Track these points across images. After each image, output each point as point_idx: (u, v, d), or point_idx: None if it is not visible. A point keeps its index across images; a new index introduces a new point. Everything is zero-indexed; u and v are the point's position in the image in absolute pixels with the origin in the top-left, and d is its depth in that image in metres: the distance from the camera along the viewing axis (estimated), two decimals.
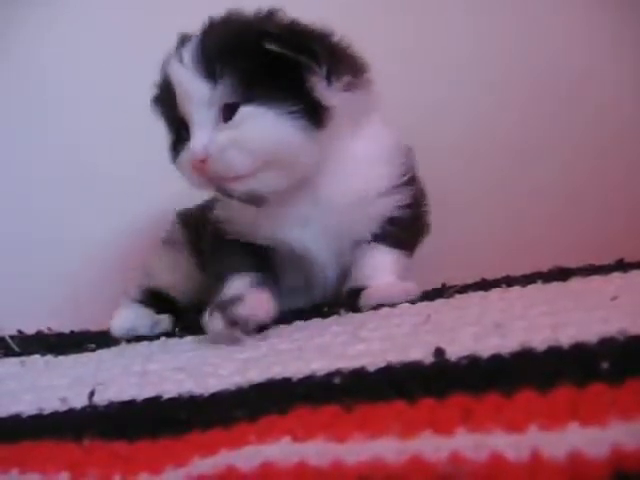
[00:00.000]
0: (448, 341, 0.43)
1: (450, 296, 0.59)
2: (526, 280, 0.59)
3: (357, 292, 0.65)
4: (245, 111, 0.58)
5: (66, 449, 0.40)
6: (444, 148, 0.91)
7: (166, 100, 0.63)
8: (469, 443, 0.29)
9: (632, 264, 0.61)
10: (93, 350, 0.68)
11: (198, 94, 0.59)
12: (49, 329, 0.91)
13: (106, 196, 0.99)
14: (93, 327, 0.86)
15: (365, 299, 0.63)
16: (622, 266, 0.60)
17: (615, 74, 0.89)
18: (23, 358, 0.70)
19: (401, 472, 0.29)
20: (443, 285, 0.69)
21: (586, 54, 0.91)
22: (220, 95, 0.59)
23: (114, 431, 0.41)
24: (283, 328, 0.61)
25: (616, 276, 0.55)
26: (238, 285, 0.61)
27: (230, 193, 0.61)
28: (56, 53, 1.00)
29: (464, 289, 0.60)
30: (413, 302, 0.60)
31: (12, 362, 0.69)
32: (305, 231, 0.64)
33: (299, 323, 0.62)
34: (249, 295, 0.59)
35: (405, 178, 0.66)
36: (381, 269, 0.66)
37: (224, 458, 0.33)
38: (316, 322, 0.60)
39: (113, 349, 0.66)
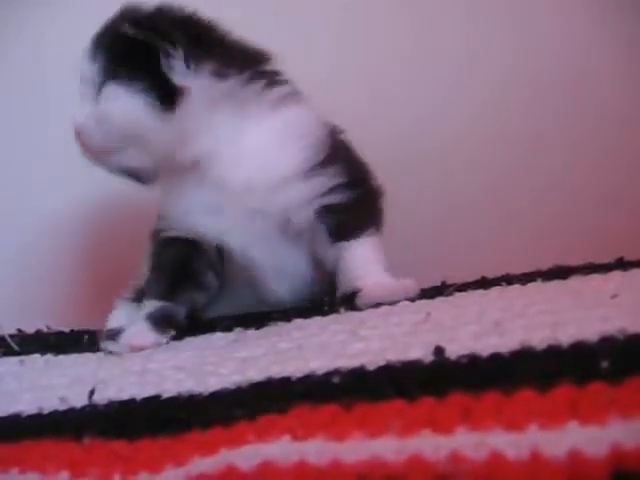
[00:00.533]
0: (448, 340, 0.43)
1: (450, 294, 0.59)
2: (526, 278, 0.59)
3: (351, 295, 0.64)
4: (108, 89, 0.64)
5: (66, 448, 0.40)
6: (444, 147, 0.92)
7: None
8: (469, 442, 0.29)
9: (632, 262, 0.61)
10: (92, 349, 0.68)
11: (83, 73, 0.65)
12: (48, 327, 0.91)
13: (105, 194, 0.99)
14: (94, 326, 0.86)
15: (362, 300, 0.63)
16: (622, 264, 0.60)
17: (612, 73, 0.89)
18: (22, 357, 0.70)
19: (401, 471, 0.29)
20: (443, 283, 0.69)
21: (584, 53, 0.91)
22: (95, 74, 0.64)
23: (114, 430, 0.41)
24: (282, 326, 0.61)
25: (616, 274, 0.55)
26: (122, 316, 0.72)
27: (108, 168, 0.66)
28: (56, 53, 1.00)
29: (464, 287, 0.60)
30: (413, 300, 0.59)
31: (11, 361, 0.69)
32: (219, 220, 0.65)
33: (298, 321, 0.61)
34: (130, 328, 0.65)
35: (323, 157, 0.66)
36: (367, 266, 0.66)
37: (224, 457, 0.33)
38: (316, 320, 0.60)
39: None
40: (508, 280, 0.60)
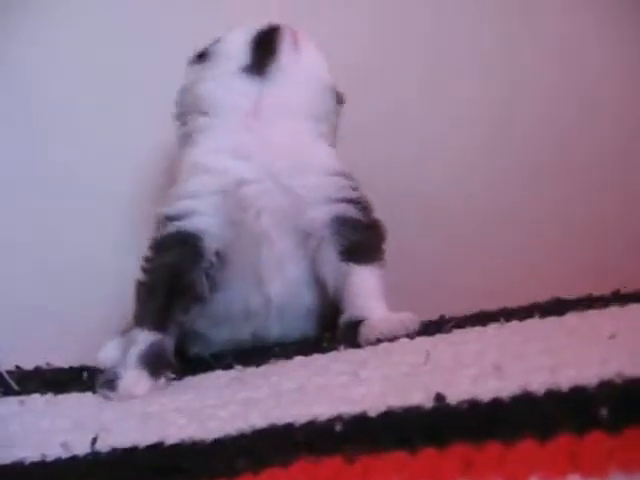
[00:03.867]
0: (448, 383, 0.43)
1: (448, 331, 0.59)
2: (523, 313, 0.60)
3: (354, 325, 0.65)
4: None
5: None
6: (442, 179, 0.93)
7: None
8: None
9: (629, 295, 0.62)
10: (92, 387, 0.68)
11: None
12: (48, 364, 0.91)
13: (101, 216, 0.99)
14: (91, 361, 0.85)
15: (364, 335, 0.64)
16: (619, 297, 0.60)
17: (616, 104, 0.90)
18: (22, 397, 0.69)
19: None
20: (442, 317, 0.69)
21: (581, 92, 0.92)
22: None
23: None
24: (283, 364, 0.62)
25: (613, 310, 0.55)
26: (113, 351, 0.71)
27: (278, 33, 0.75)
28: (44, 58, 1.01)
29: (462, 323, 0.61)
30: (412, 337, 0.60)
31: (11, 401, 0.69)
32: (246, 165, 0.69)
33: (299, 359, 0.62)
34: (125, 376, 0.62)
35: (345, 171, 0.71)
36: (373, 297, 0.67)
37: None
38: (316, 358, 0.61)
39: None
40: (506, 315, 0.60)
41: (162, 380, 0.63)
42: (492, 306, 0.71)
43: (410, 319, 0.65)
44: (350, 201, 0.70)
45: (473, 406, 0.38)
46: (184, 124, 0.74)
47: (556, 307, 0.61)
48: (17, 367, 0.86)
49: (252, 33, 0.74)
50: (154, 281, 0.68)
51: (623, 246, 0.86)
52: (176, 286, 0.67)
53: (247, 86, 0.72)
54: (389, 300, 0.69)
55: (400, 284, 0.72)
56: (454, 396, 0.40)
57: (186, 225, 0.67)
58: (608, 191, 0.90)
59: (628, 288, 0.67)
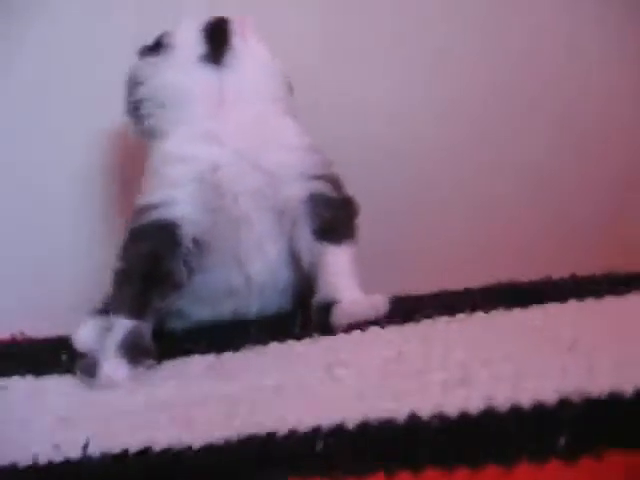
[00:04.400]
0: (418, 389, 0.47)
1: (417, 321, 0.62)
2: (488, 301, 0.63)
3: (327, 307, 0.68)
4: None
5: None
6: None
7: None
8: None
9: (585, 281, 0.65)
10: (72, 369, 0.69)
11: None
12: (22, 334, 0.92)
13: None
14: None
15: (337, 317, 0.67)
16: (577, 288, 0.64)
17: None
18: (3, 381, 0.71)
19: None
20: (408, 297, 0.72)
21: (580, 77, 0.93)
22: None
23: None
24: (259, 352, 0.64)
25: (573, 306, 0.58)
26: (90, 334, 0.71)
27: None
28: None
29: (430, 311, 0.63)
30: (383, 326, 0.63)
31: None
32: (217, 150, 0.71)
33: (274, 346, 0.65)
34: (105, 364, 0.64)
35: (316, 146, 0.74)
36: (345, 278, 0.70)
37: None
38: (291, 346, 0.63)
39: None
40: (472, 304, 0.63)
41: (141, 368, 0.65)
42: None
43: (380, 301, 0.68)
44: (323, 177, 0.72)
45: (442, 421, 0.41)
46: (139, 118, 0.76)
47: (519, 295, 0.64)
48: None
49: (202, 24, 0.77)
50: (130, 268, 0.69)
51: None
52: (153, 273, 0.68)
53: (207, 74, 0.74)
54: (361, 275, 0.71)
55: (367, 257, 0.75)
56: (425, 409, 0.43)
57: (163, 214, 0.68)
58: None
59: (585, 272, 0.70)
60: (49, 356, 0.77)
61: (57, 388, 0.67)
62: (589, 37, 0.93)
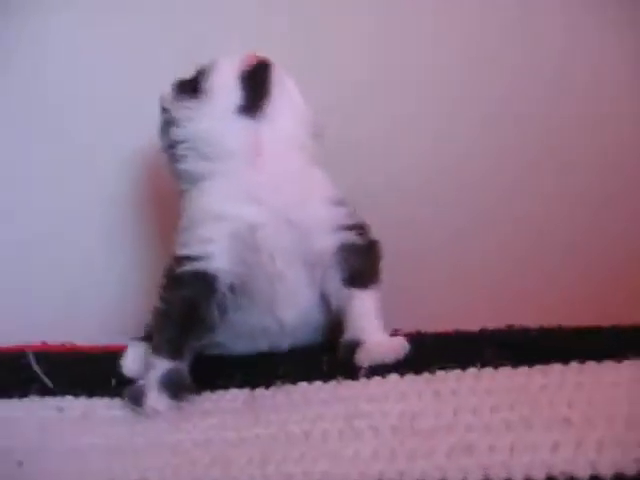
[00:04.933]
0: (427, 452, 0.54)
1: (432, 373, 0.68)
2: (496, 359, 0.68)
3: (352, 348, 0.75)
4: None
5: None
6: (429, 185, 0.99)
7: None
8: None
9: (592, 342, 0.71)
10: (121, 394, 0.77)
11: None
12: (71, 344, 1.00)
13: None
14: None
15: (361, 358, 0.74)
16: (581, 344, 0.69)
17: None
18: (59, 401, 0.79)
19: None
20: (420, 335, 0.80)
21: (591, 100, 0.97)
22: None
23: None
24: (288, 391, 0.71)
25: (574, 368, 0.64)
26: (136, 361, 0.78)
27: (268, 70, 0.80)
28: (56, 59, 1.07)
29: (444, 364, 0.70)
30: (402, 374, 0.69)
31: (50, 405, 0.78)
32: (256, 210, 0.75)
33: (303, 387, 0.72)
34: (149, 396, 0.72)
35: (344, 198, 0.79)
36: (370, 320, 0.77)
37: None
38: (317, 389, 0.70)
39: None
40: (483, 357, 0.69)
41: (182, 401, 0.73)
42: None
43: (401, 344, 0.75)
44: (352, 227, 0.78)
45: None
46: (174, 157, 0.80)
47: (528, 349, 0.70)
48: (43, 343, 0.96)
49: (241, 68, 0.78)
50: (169, 312, 0.76)
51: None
52: (190, 318, 0.75)
53: (244, 127, 0.77)
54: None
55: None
56: (432, 475, 0.50)
57: (200, 265, 0.74)
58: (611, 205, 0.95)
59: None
60: (100, 374, 0.84)
61: (107, 413, 0.75)
62: None
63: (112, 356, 0.88)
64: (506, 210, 0.99)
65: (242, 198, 0.75)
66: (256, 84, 0.78)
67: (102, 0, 1.06)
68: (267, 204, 0.75)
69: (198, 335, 0.76)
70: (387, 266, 0.82)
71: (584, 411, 0.56)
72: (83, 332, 1.02)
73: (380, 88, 1.01)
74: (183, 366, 0.74)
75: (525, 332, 0.77)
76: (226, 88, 0.78)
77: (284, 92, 0.80)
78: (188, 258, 0.75)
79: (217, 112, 0.78)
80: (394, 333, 0.81)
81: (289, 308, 0.78)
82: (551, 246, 0.98)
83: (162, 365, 0.73)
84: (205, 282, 0.75)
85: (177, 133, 0.80)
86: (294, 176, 0.77)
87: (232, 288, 0.76)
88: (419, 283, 1.00)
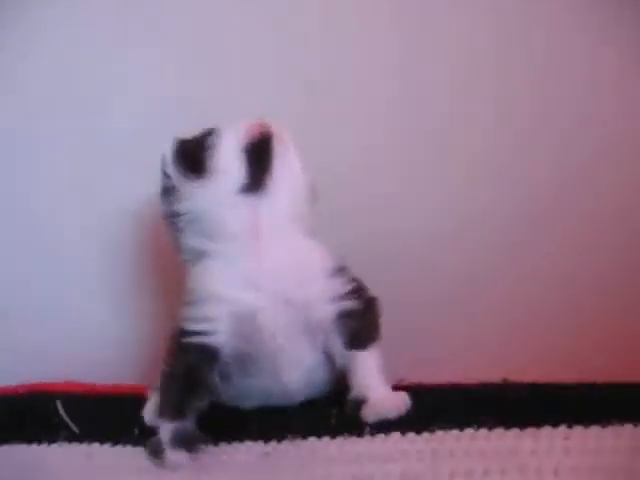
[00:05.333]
0: None
1: (432, 432, 0.74)
2: (492, 420, 0.74)
3: (358, 404, 0.82)
4: None
5: None
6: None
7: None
8: None
9: (583, 403, 0.76)
10: (142, 443, 0.83)
11: None
12: (93, 387, 1.06)
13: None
14: None
15: (366, 414, 0.80)
16: (573, 406, 0.75)
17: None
18: (86, 447, 0.85)
19: None
20: (421, 387, 0.86)
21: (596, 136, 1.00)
22: None
23: None
24: (299, 447, 0.77)
25: (561, 434, 0.70)
26: (167, 434, 0.79)
27: (270, 144, 0.79)
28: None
29: (443, 422, 0.75)
30: (404, 432, 0.75)
31: (78, 451, 0.85)
32: (255, 296, 0.79)
33: (311, 443, 0.77)
34: (168, 451, 0.77)
35: (340, 265, 0.83)
36: (373, 377, 0.83)
37: None
38: (325, 445, 0.76)
39: None
40: (478, 421, 0.75)
41: (198, 452, 0.79)
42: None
43: (403, 400, 0.81)
44: (349, 294, 0.82)
45: None
46: (174, 226, 0.82)
47: (521, 408, 0.76)
48: (66, 384, 1.02)
49: (244, 141, 0.78)
50: (173, 376, 0.82)
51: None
52: (193, 382, 0.81)
53: (246, 206, 0.79)
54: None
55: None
56: None
57: (203, 340, 0.80)
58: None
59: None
60: (124, 421, 0.90)
61: (133, 461, 0.81)
62: None
63: (134, 400, 0.94)
64: (509, 265, 1.04)
65: (242, 283, 0.79)
66: (259, 160, 0.78)
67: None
68: (266, 289, 0.79)
69: (201, 397, 0.81)
70: (389, 316, 0.87)
71: None
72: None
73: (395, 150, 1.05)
74: (188, 423, 0.80)
75: (518, 389, 0.83)
76: (229, 167, 0.78)
77: (285, 164, 0.81)
78: (191, 333, 0.80)
79: (220, 193, 0.78)
80: (399, 383, 0.88)
81: (293, 373, 0.83)
82: (554, 302, 1.02)
83: (167, 428, 0.80)
84: (208, 353, 0.80)
85: (178, 206, 0.82)
86: (293, 257, 0.81)
87: (235, 358, 0.81)
88: (424, 331, 1.04)
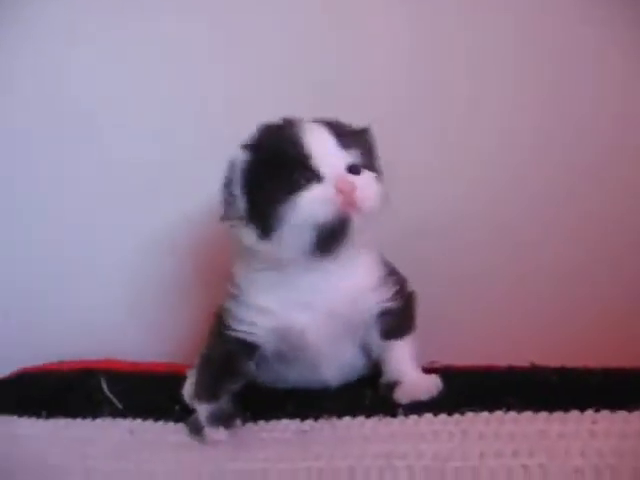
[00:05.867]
0: None
1: (462, 414, 0.77)
2: (517, 402, 0.76)
3: (391, 387, 0.85)
4: (367, 174, 0.78)
5: None
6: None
7: (279, 157, 0.75)
8: None
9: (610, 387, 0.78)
10: (184, 419, 0.87)
11: (335, 151, 0.76)
12: (135, 363, 1.10)
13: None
14: None
15: (399, 397, 0.83)
16: (599, 389, 0.77)
17: None
18: (129, 423, 0.90)
19: None
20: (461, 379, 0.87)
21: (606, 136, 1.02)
22: (350, 158, 0.77)
23: None
24: (334, 425, 0.81)
25: (589, 417, 0.72)
26: (204, 413, 0.83)
27: (349, 225, 0.74)
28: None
29: (473, 404, 0.78)
30: (436, 414, 0.78)
31: (122, 427, 0.89)
32: (306, 316, 0.81)
33: (346, 421, 0.81)
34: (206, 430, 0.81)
35: (386, 271, 0.85)
36: (407, 363, 0.87)
37: None
38: (360, 424, 0.79)
39: None
40: (507, 404, 0.77)
41: (236, 428, 0.83)
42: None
43: (435, 383, 0.85)
44: (393, 295, 0.85)
45: None
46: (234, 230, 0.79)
47: (550, 392, 0.78)
48: (108, 362, 1.06)
49: (323, 212, 0.73)
50: (211, 361, 0.86)
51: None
52: (230, 369, 0.84)
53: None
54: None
55: None
56: None
57: (245, 337, 0.83)
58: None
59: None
60: (164, 398, 0.94)
61: (175, 437, 0.85)
62: None
63: (175, 378, 0.97)
64: (539, 246, 1.05)
65: (293, 302, 0.80)
66: (332, 236, 0.75)
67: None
68: (317, 310, 0.81)
69: (235, 382, 0.85)
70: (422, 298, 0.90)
71: (594, 462, 0.64)
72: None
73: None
74: (223, 402, 0.84)
75: (547, 374, 0.85)
76: (298, 240, 0.75)
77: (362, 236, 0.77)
78: (234, 329, 0.83)
79: (288, 251, 0.76)
80: (430, 366, 0.91)
81: (331, 368, 0.86)
82: (581, 287, 1.04)
83: (202, 409, 0.84)
84: (247, 346, 0.84)
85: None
86: (347, 277, 0.81)
87: (274, 354, 0.85)
88: (454, 314, 1.07)
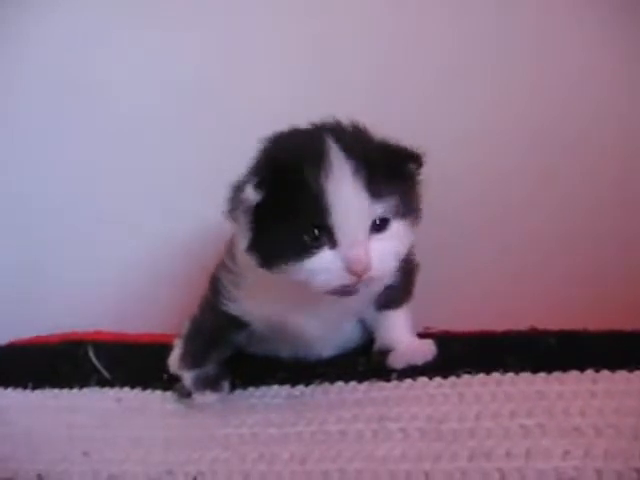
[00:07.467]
0: (451, 456, 0.60)
1: (458, 376, 0.75)
2: (518, 364, 0.74)
3: (385, 353, 0.82)
4: (396, 225, 0.69)
5: None
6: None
7: (294, 203, 0.67)
8: None
9: (610, 347, 0.76)
10: (171, 388, 0.85)
11: (359, 208, 0.66)
12: (123, 334, 1.08)
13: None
14: None
15: (393, 362, 0.81)
16: (599, 349, 0.75)
17: None
18: (116, 392, 0.88)
19: None
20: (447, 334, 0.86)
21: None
22: (378, 211, 0.68)
23: None
24: (326, 390, 0.78)
25: (589, 376, 0.70)
26: (189, 380, 0.82)
27: (355, 292, 0.69)
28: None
29: (469, 366, 0.76)
30: (430, 377, 0.76)
31: (109, 396, 0.87)
32: (310, 317, 0.79)
33: (339, 385, 0.78)
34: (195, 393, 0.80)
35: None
36: (401, 330, 0.84)
37: None
38: (353, 390, 0.77)
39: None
40: (505, 365, 0.75)
41: (225, 391, 0.81)
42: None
43: (429, 347, 0.82)
44: (397, 271, 0.74)
45: None
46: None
47: (548, 354, 0.76)
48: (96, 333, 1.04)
49: (323, 288, 0.69)
50: (199, 331, 0.84)
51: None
52: (218, 340, 0.83)
53: None
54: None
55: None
56: (455, 475, 0.57)
57: (237, 314, 0.80)
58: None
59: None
60: (152, 367, 0.92)
61: (162, 405, 0.84)
62: None
63: (162, 348, 0.95)
64: (534, 207, 1.02)
65: (295, 308, 0.77)
66: (342, 293, 0.70)
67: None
68: (323, 316, 0.79)
69: (224, 352, 0.84)
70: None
71: (594, 421, 0.61)
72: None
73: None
74: (209, 367, 0.83)
75: (546, 336, 0.82)
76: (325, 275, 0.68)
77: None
78: (227, 305, 0.80)
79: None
80: (425, 331, 0.88)
81: (326, 344, 0.84)
82: (579, 245, 1.01)
83: (188, 377, 0.83)
84: (238, 322, 0.81)
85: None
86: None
87: (267, 331, 0.82)
88: (449, 279, 1.04)
